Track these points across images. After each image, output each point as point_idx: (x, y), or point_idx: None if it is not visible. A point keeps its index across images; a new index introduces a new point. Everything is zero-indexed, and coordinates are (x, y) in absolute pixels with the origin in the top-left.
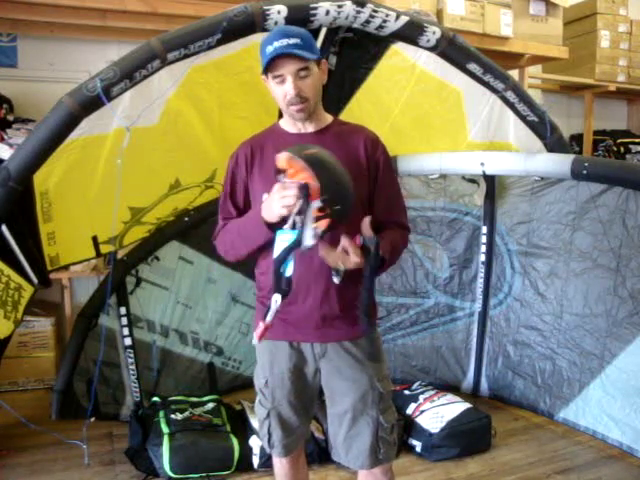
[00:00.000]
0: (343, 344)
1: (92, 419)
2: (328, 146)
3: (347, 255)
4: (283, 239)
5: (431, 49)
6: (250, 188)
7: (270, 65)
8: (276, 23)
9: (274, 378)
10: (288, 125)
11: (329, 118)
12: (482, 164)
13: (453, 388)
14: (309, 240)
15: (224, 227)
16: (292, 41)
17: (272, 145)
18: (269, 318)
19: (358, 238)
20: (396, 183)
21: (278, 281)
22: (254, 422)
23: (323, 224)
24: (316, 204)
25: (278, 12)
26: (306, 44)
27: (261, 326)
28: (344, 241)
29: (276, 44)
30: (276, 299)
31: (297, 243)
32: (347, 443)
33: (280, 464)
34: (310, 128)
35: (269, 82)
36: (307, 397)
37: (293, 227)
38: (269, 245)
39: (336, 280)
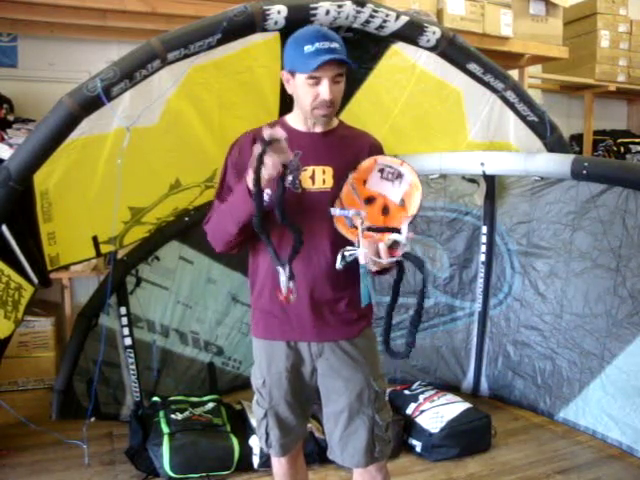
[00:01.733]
0: (339, 343)
1: (92, 419)
2: (334, 148)
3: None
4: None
5: (431, 49)
6: None
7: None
8: (276, 23)
9: (271, 378)
10: (297, 123)
11: (335, 121)
12: (482, 164)
13: (453, 388)
14: (362, 259)
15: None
16: (334, 45)
17: None
18: (285, 288)
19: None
20: None
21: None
22: (254, 422)
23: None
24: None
25: (278, 12)
26: (344, 50)
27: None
28: (382, 246)
29: (318, 45)
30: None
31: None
32: (343, 442)
33: (279, 464)
34: (318, 128)
35: (296, 80)
36: (304, 397)
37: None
38: (260, 244)
39: (339, 265)
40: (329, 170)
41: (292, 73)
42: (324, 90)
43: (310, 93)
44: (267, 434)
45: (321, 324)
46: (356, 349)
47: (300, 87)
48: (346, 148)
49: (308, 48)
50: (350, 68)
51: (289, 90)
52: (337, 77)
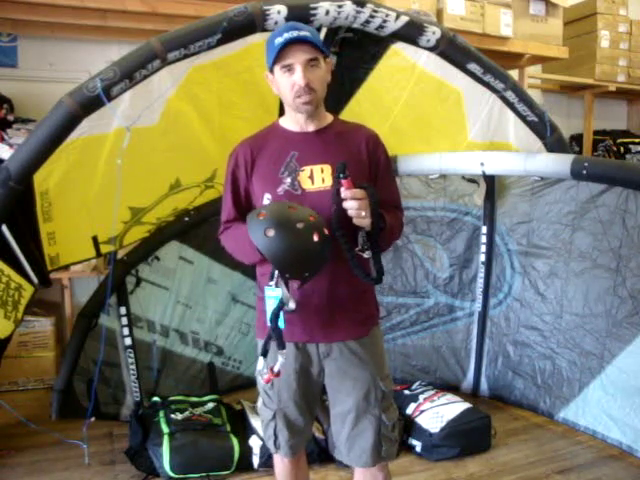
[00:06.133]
0: (347, 344)
1: (92, 419)
2: (330, 144)
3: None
4: (271, 295)
5: (431, 49)
6: (251, 190)
7: (280, 54)
8: (276, 23)
9: (280, 379)
10: (290, 123)
11: (329, 117)
12: (482, 164)
13: (453, 388)
14: (291, 304)
15: (226, 231)
16: (302, 33)
17: (273, 144)
18: (278, 368)
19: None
20: (394, 180)
21: (279, 337)
22: (254, 422)
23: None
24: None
25: (278, 12)
26: (315, 38)
27: (268, 373)
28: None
29: (286, 35)
30: (282, 355)
31: (282, 303)
32: (350, 442)
33: (282, 464)
34: (312, 127)
35: (275, 75)
36: (312, 397)
37: (277, 284)
38: None
39: (367, 254)
40: (327, 168)
41: (271, 70)
42: (297, 76)
43: (288, 83)
44: (276, 435)
45: (329, 325)
46: (364, 349)
47: (279, 80)
48: (342, 144)
49: (278, 40)
50: (350, 66)
51: (275, 91)
52: (310, 62)
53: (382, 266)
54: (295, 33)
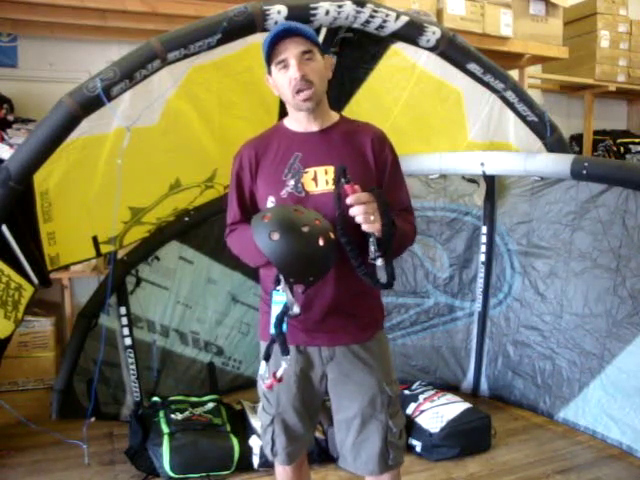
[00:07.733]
0: (352, 348)
1: (92, 419)
2: (335, 145)
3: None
4: (277, 300)
5: (431, 49)
6: (256, 192)
7: (273, 51)
8: (276, 23)
9: (280, 383)
10: (293, 124)
11: (335, 116)
12: (482, 164)
13: (453, 388)
14: (295, 308)
15: (232, 233)
16: (293, 25)
17: (277, 145)
18: (280, 373)
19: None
20: (403, 181)
21: (283, 343)
22: (254, 422)
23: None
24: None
25: (278, 12)
26: (308, 31)
27: (270, 378)
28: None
29: (278, 32)
30: (286, 361)
31: (287, 308)
32: (355, 449)
33: (284, 471)
34: (316, 127)
35: (273, 76)
36: (313, 403)
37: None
38: None
39: (379, 262)
40: (331, 170)
41: (269, 72)
42: (292, 70)
43: (285, 80)
44: (273, 441)
45: (333, 328)
46: (368, 353)
47: (277, 80)
48: (347, 144)
49: (271, 39)
50: (350, 66)
51: (275, 93)
52: (305, 54)
53: (394, 271)
54: (285, 26)
